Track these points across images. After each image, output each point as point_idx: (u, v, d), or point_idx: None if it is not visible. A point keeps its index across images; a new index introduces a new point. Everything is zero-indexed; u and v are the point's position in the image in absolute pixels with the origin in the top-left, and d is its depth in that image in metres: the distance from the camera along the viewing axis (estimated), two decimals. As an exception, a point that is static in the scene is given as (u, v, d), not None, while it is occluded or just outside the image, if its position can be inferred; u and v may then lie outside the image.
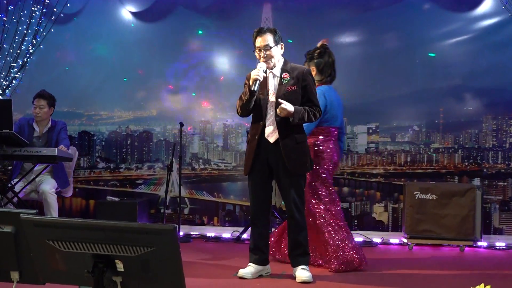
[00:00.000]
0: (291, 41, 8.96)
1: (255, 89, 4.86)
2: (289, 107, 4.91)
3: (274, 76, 5.08)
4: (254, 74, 4.89)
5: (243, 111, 5.01)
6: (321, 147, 5.75)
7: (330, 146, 5.80)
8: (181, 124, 7.94)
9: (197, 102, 9.54)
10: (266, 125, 5.08)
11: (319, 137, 5.77)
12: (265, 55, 4.96)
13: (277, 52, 5.10)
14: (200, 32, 9.57)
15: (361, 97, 9.03)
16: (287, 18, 9.17)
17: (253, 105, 5.01)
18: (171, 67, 9.63)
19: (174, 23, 9.64)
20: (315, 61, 5.96)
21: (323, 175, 5.71)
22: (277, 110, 4.93)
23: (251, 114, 5.18)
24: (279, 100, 4.88)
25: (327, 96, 5.80)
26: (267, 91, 5.08)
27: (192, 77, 9.58)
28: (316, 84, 5.64)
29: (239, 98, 4.98)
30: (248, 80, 5.10)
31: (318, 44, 6.13)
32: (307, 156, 5.15)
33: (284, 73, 5.05)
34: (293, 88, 5.11)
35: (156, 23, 9.72)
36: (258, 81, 4.91)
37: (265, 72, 4.91)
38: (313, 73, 5.74)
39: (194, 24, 9.55)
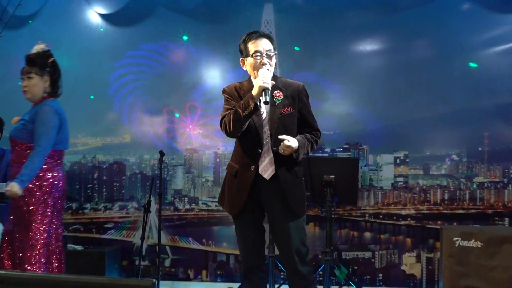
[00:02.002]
0: (298, 49, 9.07)
1: (268, 99, 4.82)
2: (293, 143, 4.90)
3: (266, 94, 5.04)
4: (261, 81, 4.80)
5: (236, 129, 4.89)
6: (54, 174, 5.85)
7: (61, 173, 5.95)
8: (161, 153, 7.97)
9: (182, 125, 9.69)
10: (261, 155, 5.06)
11: (51, 162, 5.85)
12: (268, 62, 4.98)
13: (274, 64, 5.16)
14: (185, 38, 9.75)
15: (385, 119, 9.18)
16: (293, 21, 9.33)
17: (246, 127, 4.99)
18: (149, 81, 9.80)
19: (153, 27, 9.79)
20: (49, 69, 6.06)
21: (53, 207, 5.83)
22: (279, 148, 4.91)
23: (239, 137, 5.12)
24: (280, 137, 4.87)
25: (61, 113, 5.95)
26: (260, 111, 5.08)
27: (175, 95, 9.74)
28: (45, 96, 5.95)
29: (234, 111, 4.87)
30: (230, 96, 5.08)
31: (39, 48, 6.16)
32: (304, 194, 5.20)
33: (276, 91, 5.07)
34: (289, 110, 5.11)
35: (131, 28, 9.89)
36: (267, 90, 4.87)
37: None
38: (46, 84, 6.02)
39: (178, 28, 9.72)
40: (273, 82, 4.84)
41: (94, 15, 9.90)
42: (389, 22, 9.26)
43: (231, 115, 4.78)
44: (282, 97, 5.02)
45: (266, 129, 5.02)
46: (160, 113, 9.69)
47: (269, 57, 4.99)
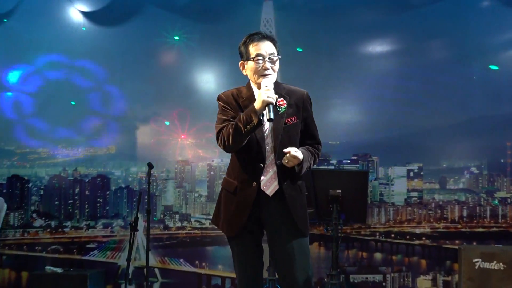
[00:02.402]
0: (300, 50, 9.06)
1: (272, 116, 4.73)
2: (299, 155, 4.81)
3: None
4: (265, 95, 4.72)
5: (236, 145, 4.70)
6: None
7: None
8: (150, 166, 7.89)
9: (173, 135, 9.66)
10: (263, 169, 5.00)
11: None
12: (271, 67, 4.91)
13: (277, 68, 5.09)
14: (176, 38, 9.74)
15: (397, 127, 9.19)
16: (295, 20, 9.33)
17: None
18: (136, 86, 9.77)
19: (141, 26, 9.78)
20: None
21: None
22: (284, 159, 4.84)
23: (239, 151, 5.05)
24: (285, 150, 4.81)
25: None
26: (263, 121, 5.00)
27: (165, 100, 9.73)
28: None
29: (234, 126, 4.75)
30: (227, 104, 4.98)
31: None
32: (307, 210, 5.15)
33: (279, 99, 4.97)
34: (293, 119, 4.97)
35: (117, 27, 9.90)
36: (272, 106, 4.79)
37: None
38: None
39: (168, 28, 9.71)
40: (276, 96, 4.76)
41: (75, 13, 9.88)
42: (401, 21, 9.27)
43: (231, 130, 4.68)
44: (286, 105, 4.91)
45: (269, 141, 4.87)
46: (148, 121, 9.73)
47: (272, 61, 4.88)
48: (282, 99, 4.84)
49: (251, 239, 4.99)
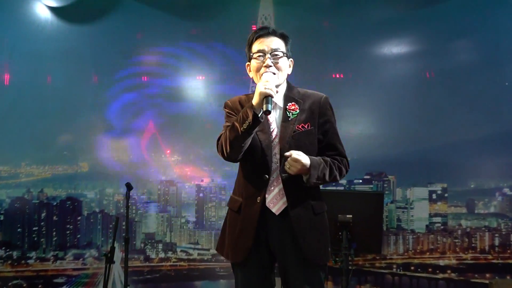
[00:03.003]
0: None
1: (270, 108, 4.64)
2: (303, 158, 4.68)
3: (275, 107, 4.88)
4: (263, 87, 4.62)
5: (235, 150, 4.61)
6: None
7: None
8: (129, 187, 7.76)
9: (155, 150, 9.67)
10: (268, 185, 4.89)
11: None
12: (274, 64, 4.82)
13: (286, 69, 4.98)
14: (159, 38, 9.84)
15: (417, 141, 9.23)
16: (298, 16, 9.35)
17: (248, 147, 4.83)
18: (112, 94, 9.78)
19: (117, 24, 9.82)
20: None
21: None
22: (285, 164, 4.74)
23: (241, 162, 4.97)
24: (287, 153, 4.72)
25: None
26: (269, 128, 4.91)
27: (145, 111, 9.73)
28: None
29: (230, 127, 4.62)
30: (232, 110, 4.91)
31: None
32: (327, 236, 4.99)
33: (290, 103, 4.87)
34: (305, 127, 4.82)
35: (89, 25, 9.93)
36: (270, 99, 4.69)
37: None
38: None
39: (149, 26, 9.75)
40: (277, 90, 4.68)
41: (42, 8, 9.88)
42: (421, 17, 9.26)
43: (227, 132, 4.67)
44: (298, 110, 4.82)
45: (277, 150, 4.77)
46: (127, 135, 9.69)
47: (276, 58, 4.82)
48: (293, 103, 4.76)
49: (258, 267, 4.83)
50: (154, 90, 9.81)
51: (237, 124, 4.60)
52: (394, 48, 9.29)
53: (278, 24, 9.12)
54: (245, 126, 4.58)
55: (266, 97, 4.52)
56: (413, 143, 9.03)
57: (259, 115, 4.57)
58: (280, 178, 4.68)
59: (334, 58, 9.13)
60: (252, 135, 4.67)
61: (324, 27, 9.12)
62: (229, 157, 4.70)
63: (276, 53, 4.72)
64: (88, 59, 9.75)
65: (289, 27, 9.29)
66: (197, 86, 9.76)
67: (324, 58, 9.07)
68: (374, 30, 9.32)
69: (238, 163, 4.84)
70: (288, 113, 4.77)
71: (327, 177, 4.71)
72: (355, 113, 9.41)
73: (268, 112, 4.50)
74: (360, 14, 9.29)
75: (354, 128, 9.37)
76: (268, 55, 4.72)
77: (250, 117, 4.55)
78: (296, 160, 4.52)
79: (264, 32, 4.78)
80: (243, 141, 4.63)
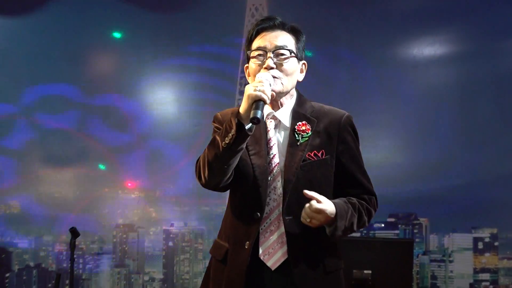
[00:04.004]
0: (310, 55, 9.06)
1: (259, 116, 4.33)
2: (328, 206, 4.39)
3: (278, 125, 4.76)
4: (252, 88, 4.35)
5: (215, 172, 4.54)
6: None
7: None
8: (74, 233, 7.65)
9: (110, 184, 9.65)
10: (264, 228, 4.65)
11: None
12: (277, 65, 4.54)
13: (294, 73, 4.71)
14: (117, 36, 9.75)
15: (458, 172, 9.12)
16: (299, 8, 9.26)
17: (237, 173, 4.61)
18: (55, 104, 9.74)
19: (66, 16, 9.79)
20: None
21: None
22: (302, 215, 4.42)
23: (230, 195, 4.79)
24: (308, 192, 4.42)
25: None
26: (267, 151, 4.70)
27: (99, 130, 9.65)
28: None
29: (211, 142, 4.47)
30: (220, 124, 4.60)
31: None
32: None
33: (300, 122, 4.68)
34: (318, 155, 4.65)
35: (29, 18, 9.80)
36: (262, 104, 4.40)
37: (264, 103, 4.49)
38: None
39: (106, 19, 9.72)
40: (273, 94, 4.44)
41: None
42: (463, 9, 9.15)
43: (206, 149, 4.54)
44: (310, 132, 4.64)
45: (278, 183, 4.57)
46: (71, 163, 9.65)
47: (280, 57, 4.60)
48: (304, 122, 4.62)
49: None
50: (109, 105, 9.94)
51: (218, 138, 4.42)
52: (427, 49, 9.13)
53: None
54: (227, 140, 4.37)
55: (256, 102, 4.29)
56: (453, 175, 8.93)
57: (246, 126, 4.35)
58: (280, 220, 4.51)
59: (346, 62, 9.15)
60: (239, 154, 4.49)
61: (332, 21, 9.09)
62: (208, 183, 4.56)
63: (281, 51, 4.56)
64: (19, 61, 9.84)
65: (286, 20, 9.25)
66: (166, 98, 9.73)
67: (334, 62, 9.08)
68: (399, 25, 9.28)
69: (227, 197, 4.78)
70: (296, 135, 4.61)
71: (355, 226, 4.54)
72: (374, 134, 9.32)
73: (256, 120, 4.23)
74: (379, 3, 9.32)
75: (373, 155, 9.24)
76: (270, 54, 4.55)
77: (234, 128, 4.33)
78: (320, 211, 4.29)
79: (268, 24, 4.58)
80: (226, 161, 4.46)
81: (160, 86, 9.72)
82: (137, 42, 9.68)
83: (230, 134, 4.33)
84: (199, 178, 4.58)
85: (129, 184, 9.35)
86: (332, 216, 4.34)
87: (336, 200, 4.47)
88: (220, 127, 4.56)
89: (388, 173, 9.13)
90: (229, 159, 4.43)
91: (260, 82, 4.33)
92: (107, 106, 9.80)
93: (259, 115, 4.22)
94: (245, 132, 4.32)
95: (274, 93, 4.50)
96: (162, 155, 9.55)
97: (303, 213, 4.34)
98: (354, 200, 4.54)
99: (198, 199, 8.96)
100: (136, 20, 9.61)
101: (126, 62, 9.63)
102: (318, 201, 4.30)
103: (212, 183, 4.53)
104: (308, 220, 4.32)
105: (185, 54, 9.50)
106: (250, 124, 4.29)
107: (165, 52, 9.61)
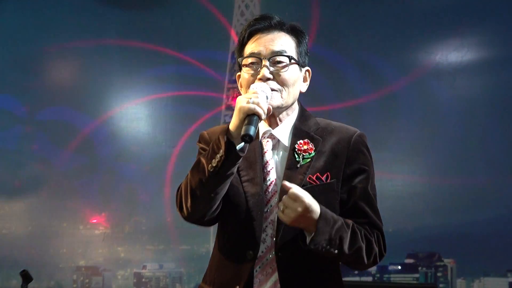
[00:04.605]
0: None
1: (252, 133, 4.17)
2: (307, 198, 4.22)
3: (277, 146, 4.65)
4: (244, 100, 4.21)
5: (199, 201, 4.41)
6: None
7: None
8: (26, 277, 7.29)
9: (70, 217, 9.49)
10: (258, 270, 4.49)
11: None
12: (275, 75, 4.46)
13: (296, 84, 4.62)
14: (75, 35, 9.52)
15: (490, 204, 8.90)
16: (297, 4, 9.19)
17: (227, 204, 4.51)
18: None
19: (15, 20, 9.64)
20: None
21: None
22: (279, 205, 4.31)
23: (219, 229, 4.62)
24: (287, 184, 4.21)
25: None
26: (263, 177, 4.57)
27: (51, 151, 9.53)
28: None
29: (195, 165, 4.41)
30: (207, 144, 4.53)
31: None
32: None
33: (301, 140, 4.55)
34: (322, 178, 4.55)
35: None
36: (256, 119, 4.26)
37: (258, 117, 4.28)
38: None
39: (57, 17, 9.61)
40: (270, 108, 4.35)
41: None
42: (497, 7, 8.96)
43: (189, 174, 4.47)
44: (313, 152, 4.54)
45: (274, 217, 4.47)
46: (20, 192, 9.50)
47: (278, 65, 4.45)
48: (306, 140, 4.54)
49: None
50: (62, 120, 9.87)
51: (203, 161, 4.35)
52: (453, 54, 8.96)
53: (265, 12, 8.82)
54: (214, 162, 4.27)
55: (249, 116, 4.20)
56: (484, 207, 8.78)
57: (237, 146, 4.24)
58: (273, 260, 4.40)
59: (351, 69, 9.08)
60: (228, 180, 4.40)
61: (338, 17, 9.08)
62: (191, 215, 4.47)
63: (279, 58, 4.43)
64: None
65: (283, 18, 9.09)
66: (137, 114, 9.63)
67: (341, 69, 9.10)
68: (419, 24, 9.15)
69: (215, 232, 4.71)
70: (297, 155, 4.52)
71: (345, 247, 4.31)
72: (390, 158, 9.19)
73: (248, 138, 4.11)
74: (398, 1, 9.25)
75: (388, 182, 9.08)
76: (265, 62, 4.45)
77: (223, 148, 4.24)
78: (297, 198, 4.16)
79: (263, 24, 4.47)
80: (213, 189, 4.37)
81: (130, 99, 9.72)
82: (101, 46, 9.61)
83: (218, 156, 4.25)
84: (180, 209, 4.40)
85: (93, 218, 9.22)
86: (315, 217, 4.21)
87: (328, 210, 4.33)
88: (207, 147, 4.49)
89: (406, 205, 9.08)
90: (216, 186, 4.33)
91: (255, 93, 4.25)
92: (63, 122, 9.75)
93: (252, 132, 4.12)
94: (236, 153, 4.22)
95: (271, 108, 4.41)
96: (133, 182, 9.48)
97: (280, 203, 4.22)
98: (351, 221, 4.40)
99: (176, 236, 8.82)
100: (100, 20, 9.61)
101: (87, 70, 9.66)
102: (295, 190, 4.14)
103: (196, 215, 4.42)
104: (282, 208, 4.18)
105: (161, 60, 9.46)
106: (242, 143, 4.20)
107: (135, 57, 9.60)
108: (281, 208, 4.20)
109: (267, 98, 4.31)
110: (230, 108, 8.32)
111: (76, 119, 9.71)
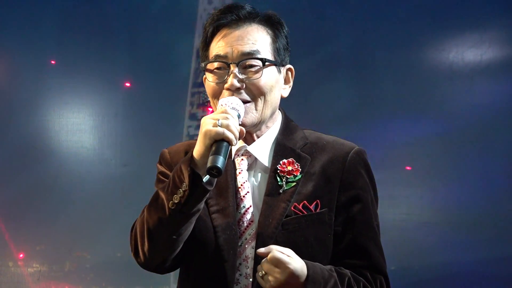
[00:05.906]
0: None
1: (221, 165, 4.08)
2: (293, 261, 4.18)
3: (253, 165, 4.68)
4: (211, 123, 4.20)
5: (158, 245, 4.32)
6: None
7: None
8: None
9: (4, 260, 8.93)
10: None
11: None
12: (247, 83, 4.45)
13: (274, 90, 4.63)
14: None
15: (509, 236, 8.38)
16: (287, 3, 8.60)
17: (192, 242, 4.42)
18: None
19: None
20: None
21: None
22: (258, 270, 4.23)
23: (182, 271, 4.63)
24: (260, 250, 4.21)
25: None
26: (236, 206, 4.52)
27: None
28: None
29: (152, 200, 4.33)
30: (169, 167, 4.63)
31: None
32: None
33: (285, 159, 4.57)
34: (311, 207, 4.49)
35: None
36: (225, 145, 4.18)
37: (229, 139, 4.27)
38: None
39: None
40: (243, 130, 4.43)
41: None
42: None
43: (145, 211, 4.41)
44: (299, 175, 4.51)
45: (249, 252, 4.45)
46: None
47: (250, 70, 4.44)
48: (291, 160, 4.58)
49: None
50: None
51: (163, 196, 4.27)
52: (471, 51, 8.47)
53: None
54: (176, 199, 4.19)
55: (218, 143, 4.22)
56: (502, 242, 8.24)
57: (203, 177, 4.22)
58: None
59: (346, 69, 8.68)
60: (194, 218, 4.37)
61: (333, 15, 8.60)
62: (149, 262, 4.41)
63: (250, 62, 4.48)
64: None
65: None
66: (80, 125, 9.05)
67: (330, 73, 8.55)
68: (428, 16, 8.63)
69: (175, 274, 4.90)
70: (279, 178, 4.55)
71: None
72: (389, 179, 8.69)
73: (216, 171, 4.09)
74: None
75: (391, 209, 8.67)
76: (233, 68, 4.46)
77: (186, 181, 4.19)
78: (278, 263, 4.11)
79: (230, 18, 4.53)
80: (175, 229, 4.30)
81: (71, 107, 9.21)
82: (32, 39, 9.13)
83: (181, 190, 4.21)
84: (136, 254, 4.42)
85: (21, 256, 8.74)
86: (301, 281, 4.19)
87: (313, 263, 4.33)
88: (168, 172, 4.61)
89: (412, 236, 8.59)
90: (179, 226, 4.29)
91: (223, 112, 4.26)
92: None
93: (220, 164, 4.12)
94: (202, 187, 4.18)
95: (244, 129, 4.39)
96: (73, 209, 8.93)
97: (258, 267, 4.24)
98: (347, 271, 4.40)
99: (128, 275, 8.34)
100: (32, 10, 9.20)
101: (15, 69, 9.20)
102: (280, 253, 4.15)
103: (155, 261, 4.41)
104: (261, 274, 4.17)
105: (109, 58, 9.00)
106: (217, 164, 4.13)
107: (76, 55, 9.10)
108: (261, 274, 4.15)
109: (239, 117, 4.29)
110: (193, 117, 8.34)
111: (1, 130, 9.21)
